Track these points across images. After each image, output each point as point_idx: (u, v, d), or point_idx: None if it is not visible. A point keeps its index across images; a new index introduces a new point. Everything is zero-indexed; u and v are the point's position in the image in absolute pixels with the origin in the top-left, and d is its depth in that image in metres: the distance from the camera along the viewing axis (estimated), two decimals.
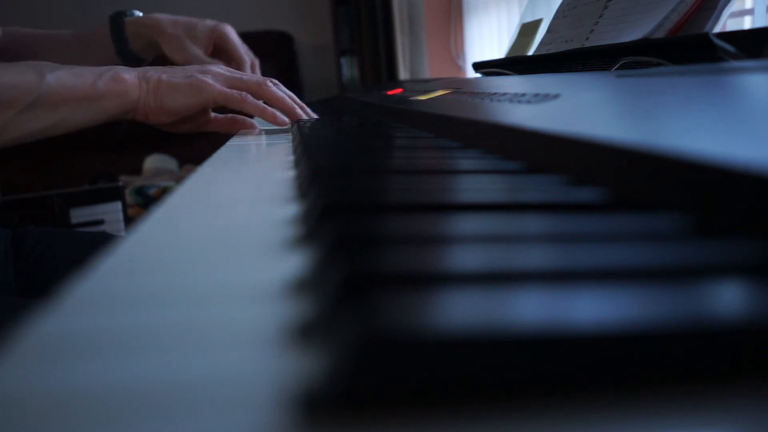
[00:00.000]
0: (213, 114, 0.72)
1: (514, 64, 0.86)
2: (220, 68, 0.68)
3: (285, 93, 0.71)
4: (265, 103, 0.68)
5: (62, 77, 0.58)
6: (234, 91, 0.65)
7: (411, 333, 0.11)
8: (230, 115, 0.71)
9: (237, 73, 0.68)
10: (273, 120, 0.69)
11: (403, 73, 2.03)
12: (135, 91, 0.62)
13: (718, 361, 0.11)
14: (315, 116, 0.73)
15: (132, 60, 0.83)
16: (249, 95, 0.65)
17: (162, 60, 0.81)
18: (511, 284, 0.14)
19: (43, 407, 0.11)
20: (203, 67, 0.68)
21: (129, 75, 0.62)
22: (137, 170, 2.08)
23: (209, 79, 0.65)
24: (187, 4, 2.31)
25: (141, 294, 0.16)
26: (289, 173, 0.38)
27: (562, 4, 0.81)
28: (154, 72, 0.65)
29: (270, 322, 0.14)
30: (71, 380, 0.12)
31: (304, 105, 0.73)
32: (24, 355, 0.13)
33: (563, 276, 0.14)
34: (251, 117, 0.76)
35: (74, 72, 0.60)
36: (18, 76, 0.56)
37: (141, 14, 0.86)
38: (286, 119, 0.70)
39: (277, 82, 0.71)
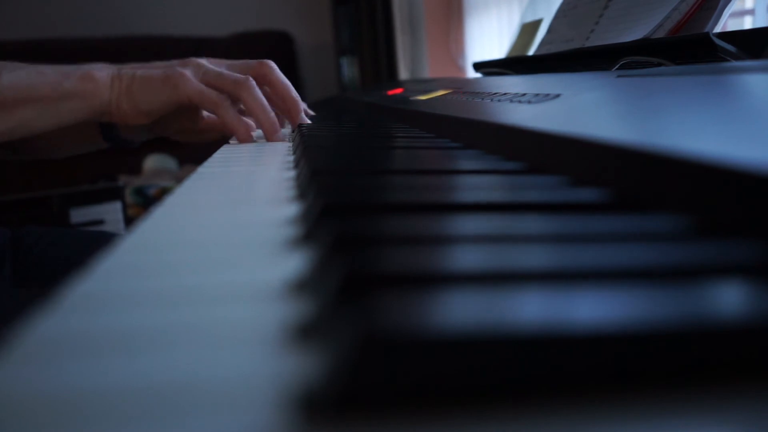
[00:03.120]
0: (206, 114, 0.66)
1: (514, 64, 0.86)
2: (204, 60, 0.62)
3: (283, 85, 0.63)
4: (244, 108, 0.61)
5: (19, 77, 0.54)
6: (212, 92, 0.58)
7: (411, 333, 0.11)
8: (240, 117, 0.61)
9: (218, 68, 0.61)
10: (243, 138, 0.59)
11: (403, 73, 2.03)
12: (106, 92, 0.58)
13: (718, 361, 0.11)
14: (306, 118, 0.66)
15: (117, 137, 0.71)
16: (228, 102, 0.58)
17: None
18: (511, 284, 0.14)
19: (42, 407, 0.11)
20: (187, 59, 0.62)
21: (102, 73, 0.58)
22: (137, 170, 2.08)
23: (187, 73, 0.58)
24: (188, 4, 2.31)
25: (140, 294, 0.16)
26: (289, 173, 0.38)
27: (562, 4, 0.81)
28: (131, 69, 0.59)
29: (269, 322, 0.14)
30: (70, 380, 0.12)
31: (297, 102, 0.64)
32: (23, 355, 0.13)
33: (563, 276, 0.14)
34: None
35: (37, 71, 0.56)
36: None
37: None
38: (251, 137, 0.60)
39: (271, 68, 0.62)
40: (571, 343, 0.11)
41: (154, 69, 0.59)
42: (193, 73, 0.59)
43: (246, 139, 0.59)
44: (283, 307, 0.15)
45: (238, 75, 0.59)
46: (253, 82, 0.59)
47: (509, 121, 0.36)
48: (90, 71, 0.57)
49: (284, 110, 0.65)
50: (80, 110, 0.57)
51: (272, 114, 0.60)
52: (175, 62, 0.61)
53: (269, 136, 0.60)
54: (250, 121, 0.62)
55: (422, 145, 0.43)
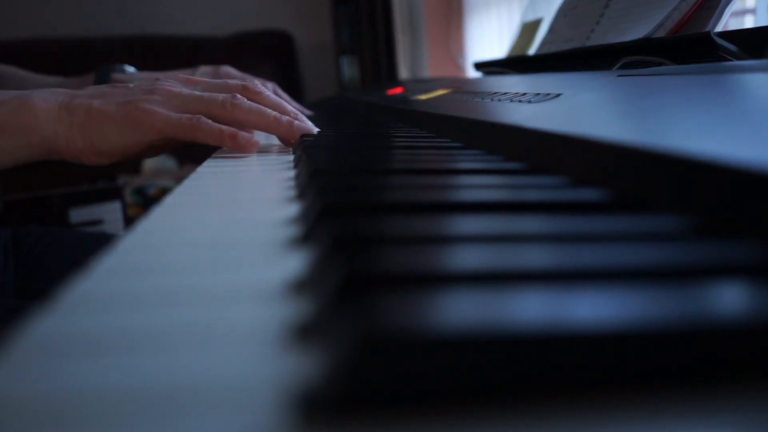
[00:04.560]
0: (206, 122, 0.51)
1: (514, 63, 0.86)
2: (174, 83, 0.51)
3: (274, 101, 0.53)
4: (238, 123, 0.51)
5: None
6: (184, 117, 0.47)
7: (410, 333, 0.10)
8: (220, 127, 0.49)
9: (195, 89, 0.51)
10: (243, 146, 0.48)
11: (403, 73, 2.03)
12: (49, 126, 0.46)
13: (719, 361, 0.11)
14: (311, 128, 0.54)
15: None
16: (202, 118, 0.48)
17: None
18: (511, 284, 0.14)
19: (42, 407, 0.11)
20: (152, 83, 0.51)
21: (45, 104, 0.47)
22: (137, 170, 2.08)
23: (154, 106, 0.48)
24: (187, 4, 2.31)
25: (140, 294, 0.16)
26: (289, 173, 0.38)
27: (563, 4, 0.81)
28: (86, 96, 0.48)
29: (269, 322, 0.14)
30: (70, 380, 0.12)
31: (298, 113, 0.54)
32: (24, 355, 0.13)
33: (563, 276, 0.14)
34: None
35: None
36: None
37: (134, 70, 0.73)
38: (249, 140, 0.49)
39: (258, 88, 0.53)
40: (571, 343, 0.11)
41: (113, 95, 0.49)
42: (160, 104, 0.48)
43: (242, 146, 0.49)
44: (282, 307, 0.15)
45: (220, 97, 0.50)
46: (242, 98, 0.50)
47: (509, 120, 0.36)
48: (26, 100, 0.46)
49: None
50: (17, 148, 0.46)
51: (274, 113, 0.51)
52: (139, 86, 0.50)
53: (291, 134, 0.51)
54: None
55: (422, 144, 0.43)
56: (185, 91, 0.50)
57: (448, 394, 0.11)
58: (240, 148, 0.48)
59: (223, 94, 0.50)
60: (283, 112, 0.53)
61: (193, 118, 0.48)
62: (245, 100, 0.50)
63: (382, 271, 0.14)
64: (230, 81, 0.53)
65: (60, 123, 0.47)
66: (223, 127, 0.48)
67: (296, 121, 0.52)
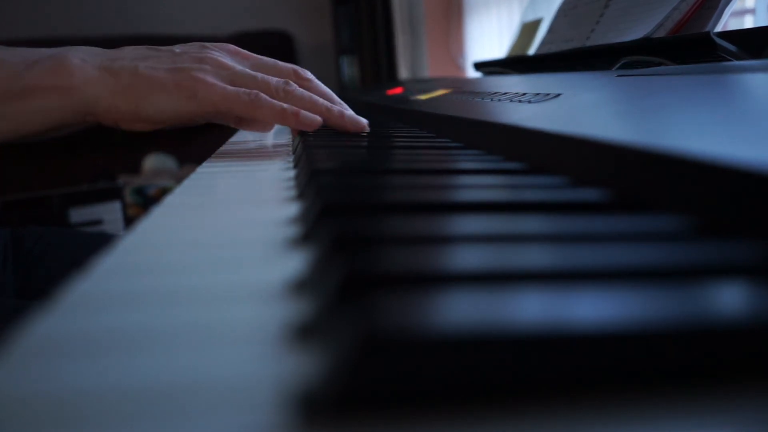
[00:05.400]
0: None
1: (514, 63, 0.86)
2: (224, 54, 0.49)
3: (323, 89, 0.52)
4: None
5: None
6: (242, 91, 0.46)
7: (410, 333, 0.10)
8: (281, 105, 0.47)
9: (244, 64, 0.50)
10: (308, 125, 0.47)
11: (403, 73, 2.03)
12: (90, 89, 0.44)
13: (719, 361, 0.11)
14: (359, 119, 0.51)
15: None
16: (261, 94, 0.46)
17: None
18: (511, 284, 0.14)
19: (42, 407, 0.11)
20: (201, 50, 0.48)
21: (83, 62, 0.44)
22: (137, 170, 2.08)
23: (208, 77, 0.46)
24: (187, 3, 2.31)
25: (140, 294, 0.16)
26: (289, 172, 0.38)
27: (562, 4, 0.80)
28: (128, 59, 0.46)
29: (269, 322, 0.14)
30: (70, 380, 0.12)
31: (343, 104, 0.52)
32: (23, 355, 0.13)
33: (563, 276, 0.14)
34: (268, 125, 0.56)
35: None
36: None
37: None
38: (316, 120, 0.48)
39: (308, 74, 0.52)
40: (572, 343, 0.11)
41: (160, 58, 0.47)
42: (214, 75, 0.46)
43: (307, 123, 0.47)
44: (283, 307, 0.15)
45: (273, 80, 0.48)
46: (294, 84, 0.49)
47: (509, 120, 0.36)
48: (64, 60, 0.43)
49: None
50: (50, 112, 0.44)
51: (325, 102, 0.50)
52: (187, 52, 0.48)
53: (347, 124, 0.50)
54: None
55: (422, 144, 0.43)
56: (238, 67, 0.48)
57: (448, 394, 0.11)
58: (305, 127, 0.47)
59: (276, 79, 0.48)
60: (331, 101, 0.51)
61: (251, 94, 0.46)
62: (297, 87, 0.49)
63: (382, 271, 0.14)
64: (280, 63, 0.52)
65: (102, 85, 0.44)
66: (285, 105, 0.47)
67: (346, 112, 0.50)
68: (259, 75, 0.48)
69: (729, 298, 0.13)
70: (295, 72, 0.51)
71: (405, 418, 0.10)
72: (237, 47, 0.52)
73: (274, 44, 2.20)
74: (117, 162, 2.10)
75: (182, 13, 2.30)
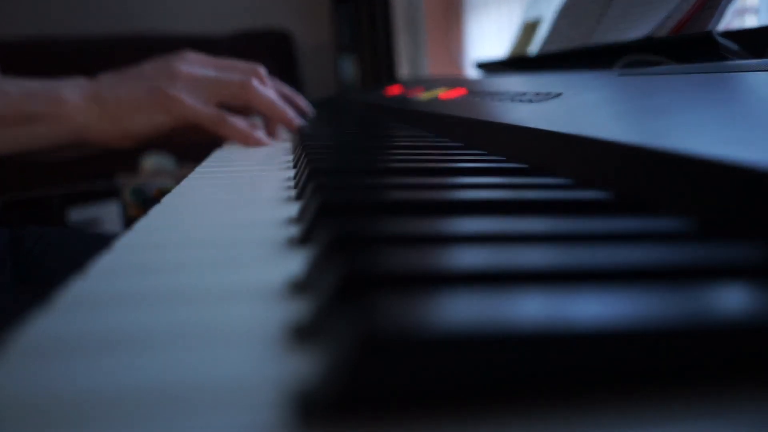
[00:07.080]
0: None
1: (515, 62, 0.86)
2: (192, 66, 0.56)
3: (276, 90, 0.60)
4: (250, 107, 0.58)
5: None
6: (211, 112, 0.53)
7: (410, 333, 0.10)
8: (242, 128, 0.55)
9: (212, 74, 0.56)
10: (255, 144, 0.56)
11: (403, 72, 2.03)
12: (80, 115, 0.52)
13: (719, 361, 0.11)
14: (309, 112, 0.64)
15: None
16: (227, 117, 0.54)
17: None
18: (512, 284, 0.14)
19: (41, 407, 0.11)
20: (170, 66, 0.55)
21: (73, 94, 0.52)
22: (136, 170, 2.08)
23: (182, 94, 0.53)
24: (187, 3, 2.31)
25: (139, 294, 0.16)
26: (288, 172, 0.38)
27: (564, 3, 0.80)
28: (109, 87, 0.53)
29: (268, 322, 0.14)
30: (69, 380, 0.12)
31: (298, 100, 0.63)
32: (22, 355, 0.13)
33: (564, 276, 0.14)
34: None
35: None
36: None
37: None
38: (265, 140, 0.56)
39: (263, 76, 0.59)
40: (572, 342, 0.11)
41: (135, 81, 0.54)
42: (186, 92, 0.54)
43: (257, 142, 0.55)
44: (282, 307, 0.15)
45: (237, 78, 0.56)
46: (256, 82, 0.56)
47: (510, 120, 0.36)
48: (57, 91, 0.52)
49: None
50: (49, 135, 0.52)
51: (283, 105, 0.58)
52: (160, 69, 0.55)
53: (291, 127, 0.58)
54: (255, 121, 0.61)
55: (422, 144, 0.43)
56: (201, 73, 0.55)
57: (447, 394, 0.11)
58: (258, 145, 0.55)
59: (237, 76, 0.56)
60: (285, 98, 0.61)
61: (220, 115, 0.53)
62: (260, 87, 0.56)
63: (381, 271, 0.14)
64: (239, 63, 0.58)
65: (88, 112, 0.52)
66: (245, 128, 0.54)
67: (295, 120, 0.59)
68: (222, 77, 0.56)
69: (730, 299, 0.13)
70: (255, 70, 0.58)
71: (405, 419, 0.10)
72: (197, 54, 0.59)
73: (274, 43, 2.20)
74: (116, 162, 2.10)
75: (181, 13, 2.30)
